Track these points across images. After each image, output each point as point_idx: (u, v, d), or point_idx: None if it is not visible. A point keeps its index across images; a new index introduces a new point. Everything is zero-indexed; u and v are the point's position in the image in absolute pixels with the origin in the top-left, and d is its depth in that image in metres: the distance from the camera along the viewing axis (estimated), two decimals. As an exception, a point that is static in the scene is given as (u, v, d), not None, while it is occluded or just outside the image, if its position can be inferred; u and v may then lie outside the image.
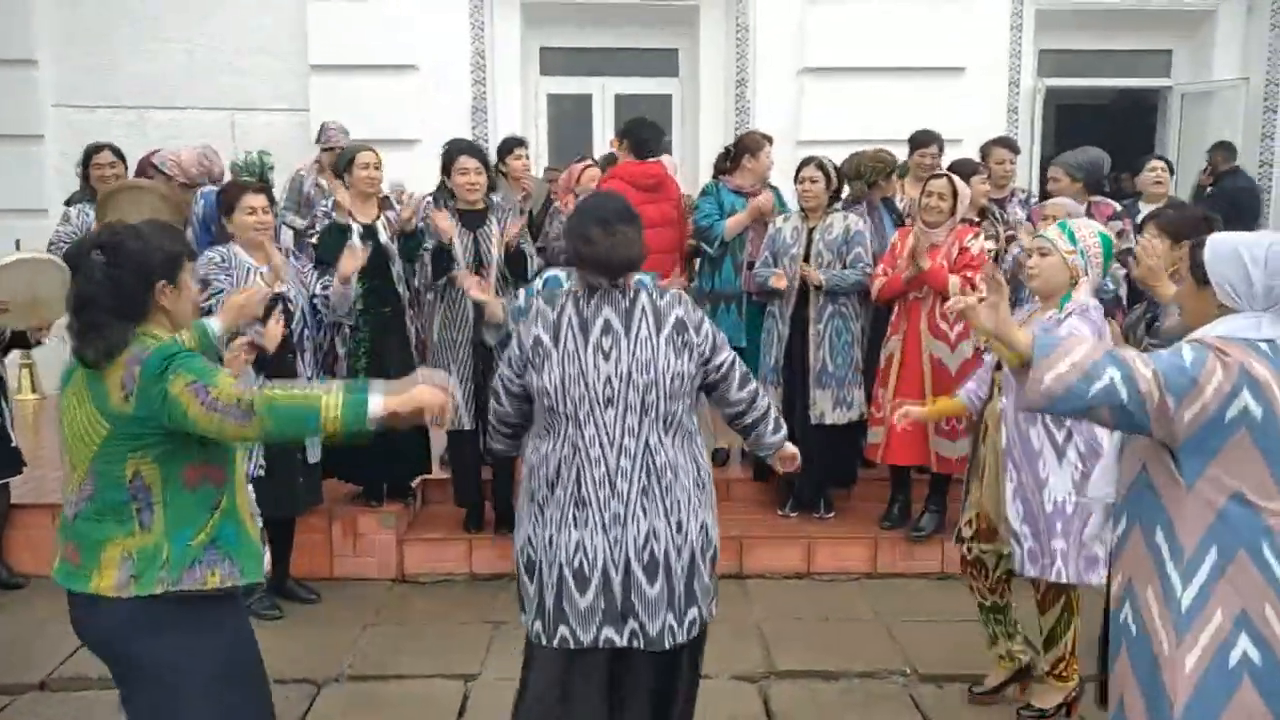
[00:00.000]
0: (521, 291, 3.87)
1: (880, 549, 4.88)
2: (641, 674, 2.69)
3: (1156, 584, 2.21)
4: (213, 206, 4.53)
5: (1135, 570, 2.27)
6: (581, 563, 2.58)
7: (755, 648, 4.08)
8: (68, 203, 5.68)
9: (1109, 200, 5.44)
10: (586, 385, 2.56)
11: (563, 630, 2.61)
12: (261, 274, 4.09)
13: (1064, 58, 8.36)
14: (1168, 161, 6.01)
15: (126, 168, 5.42)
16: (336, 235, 4.60)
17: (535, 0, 7.88)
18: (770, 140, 5.59)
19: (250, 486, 3.34)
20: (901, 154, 5.88)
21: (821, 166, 5.00)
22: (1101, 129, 8.66)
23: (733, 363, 2.71)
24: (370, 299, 4.72)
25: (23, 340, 4.71)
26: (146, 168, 5.28)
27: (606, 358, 2.57)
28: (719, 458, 5.56)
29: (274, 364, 4.16)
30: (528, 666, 2.79)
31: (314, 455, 4.41)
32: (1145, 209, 5.70)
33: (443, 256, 4.64)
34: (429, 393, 2.27)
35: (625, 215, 2.66)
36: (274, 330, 3.78)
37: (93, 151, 5.32)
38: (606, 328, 2.59)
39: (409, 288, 4.85)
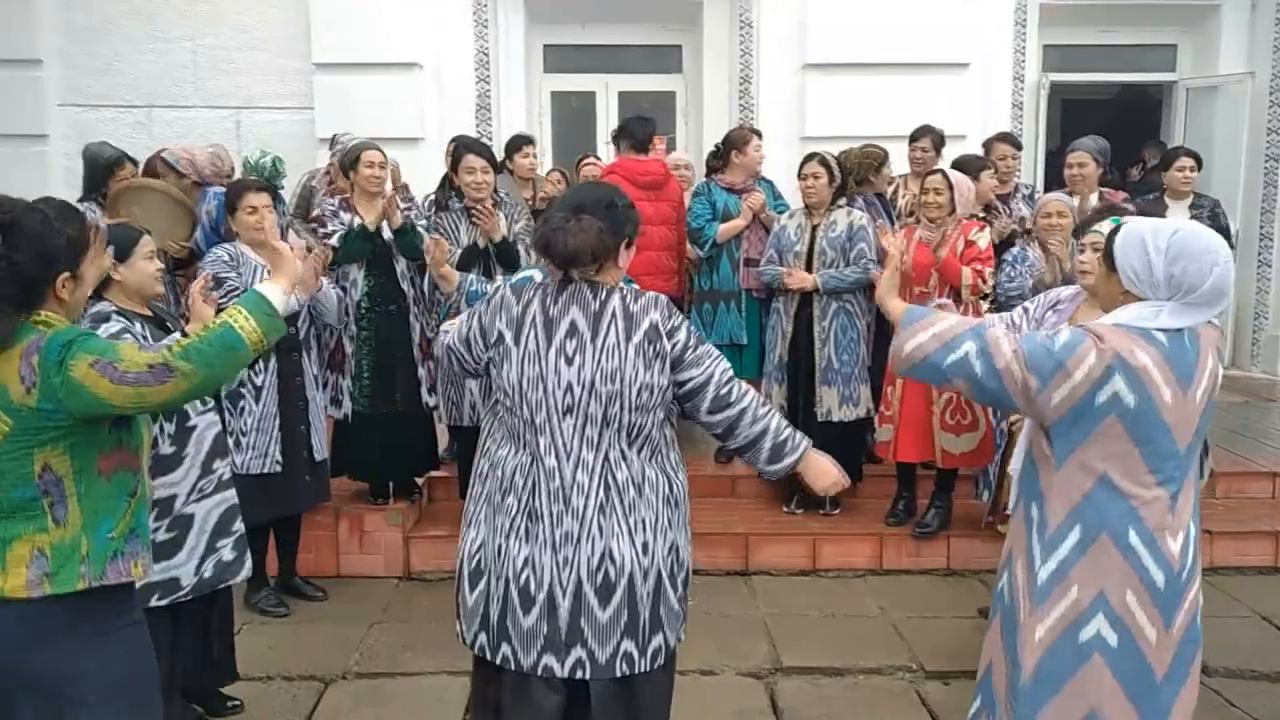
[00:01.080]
0: (500, 279, 3.88)
1: (886, 545, 4.88)
2: (600, 706, 2.41)
3: (1023, 556, 2.28)
4: (221, 206, 4.54)
5: (1014, 541, 2.35)
6: (528, 580, 2.37)
7: (761, 644, 4.08)
8: (78, 202, 5.70)
9: (1116, 192, 5.45)
10: (545, 391, 2.35)
11: (504, 649, 2.41)
12: (268, 272, 4.08)
13: (1068, 52, 8.34)
14: (1197, 158, 5.92)
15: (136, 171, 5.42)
16: (358, 239, 4.61)
17: (539, -1, 7.89)
18: (758, 134, 5.60)
19: (233, 491, 3.39)
20: (904, 150, 5.87)
21: (824, 162, 5.00)
22: (1106, 124, 8.65)
23: (706, 382, 2.42)
24: (376, 297, 4.73)
25: None
26: (156, 164, 5.30)
27: (569, 362, 2.35)
28: (722, 454, 5.56)
29: (281, 363, 4.19)
30: (475, 678, 2.62)
31: (320, 453, 4.42)
32: (1171, 204, 5.73)
33: (472, 256, 4.69)
34: (290, 260, 2.30)
35: (602, 206, 2.41)
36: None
37: (114, 164, 5.28)
38: (572, 330, 2.37)
39: (414, 285, 4.84)
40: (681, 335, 2.42)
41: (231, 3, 7.61)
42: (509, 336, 2.41)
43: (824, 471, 2.57)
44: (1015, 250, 4.80)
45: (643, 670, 2.42)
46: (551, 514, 2.37)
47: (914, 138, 5.87)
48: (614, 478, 2.38)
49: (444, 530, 4.94)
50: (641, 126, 5.36)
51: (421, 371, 4.83)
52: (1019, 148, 6.01)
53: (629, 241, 2.48)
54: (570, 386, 2.35)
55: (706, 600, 4.53)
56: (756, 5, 7.59)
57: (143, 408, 2.03)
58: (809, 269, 4.92)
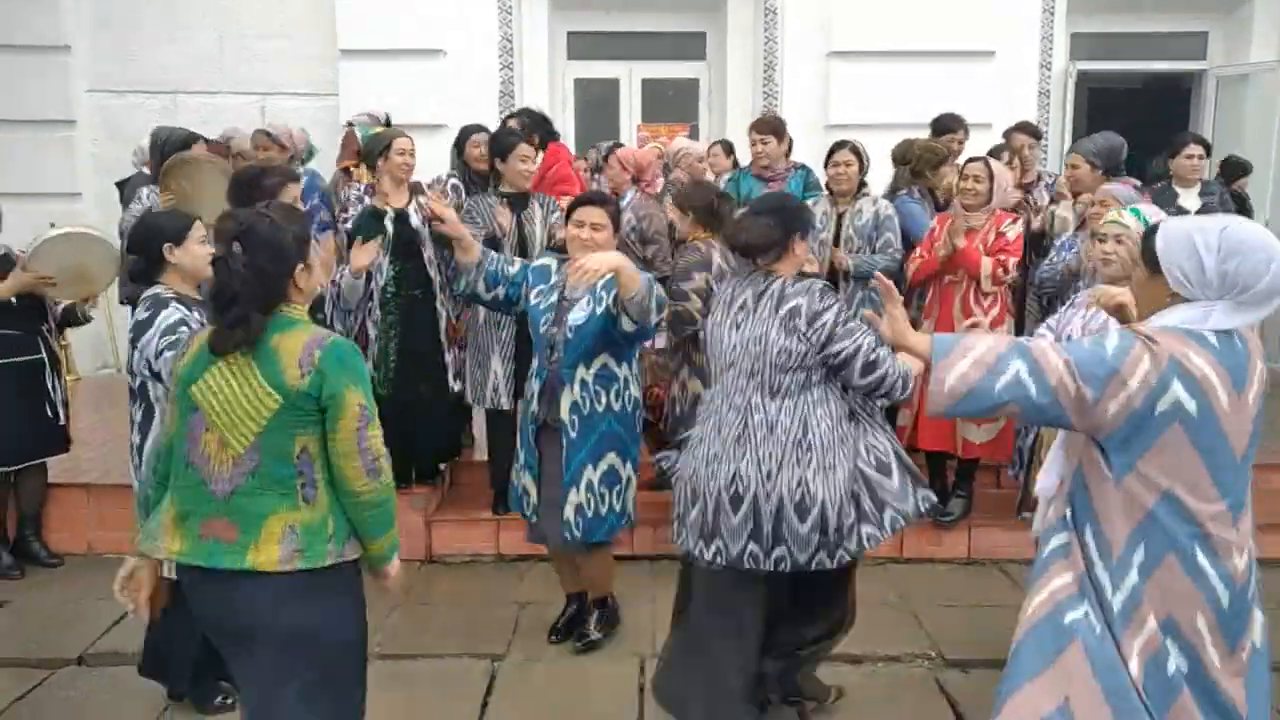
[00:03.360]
0: (519, 262, 3.90)
1: (907, 534, 4.84)
2: (730, 585, 3.09)
3: (1089, 587, 2.09)
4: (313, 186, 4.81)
5: (1074, 569, 2.14)
6: (694, 487, 3.08)
7: (781, 631, 4.08)
8: (120, 184, 5.77)
9: (1126, 178, 5.38)
10: (721, 350, 3.07)
11: (684, 536, 3.14)
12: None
13: (1097, 40, 8.25)
14: (1205, 144, 5.81)
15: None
16: (372, 221, 4.62)
17: (563, -15, 7.89)
18: (755, 126, 5.53)
19: None
20: (925, 138, 5.83)
21: (855, 151, 4.98)
22: (1135, 113, 8.56)
23: (855, 352, 2.90)
24: (401, 282, 4.74)
25: (73, 318, 4.79)
26: (221, 154, 5.50)
27: (736, 329, 3.03)
28: None
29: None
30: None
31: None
32: (1180, 193, 5.65)
33: (493, 244, 4.67)
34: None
35: (774, 208, 3.11)
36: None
37: (189, 142, 5.32)
38: (742, 305, 3.05)
39: (440, 272, 4.86)
40: (829, 316, 2.92)
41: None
42: (715, 309, 3.19)
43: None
44: (1065, 237, 4.75)
45: (763, 570, 2.98)
46: (710, 439, 3.06)
47: (949, 129, 5.81)
48: (751, 419, 2.97)
49: (465, 515, 4.97)
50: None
51: (448, 357, 4.85)
52: (1038, 137, 5.96)
53: (801, 235, 3.07)
54: (734, 346, 3.03)
55: (726, 587, 4.54)
56: (781, -8, 7.55)
57: (337, 459, 2.27)
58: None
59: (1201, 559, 2.02)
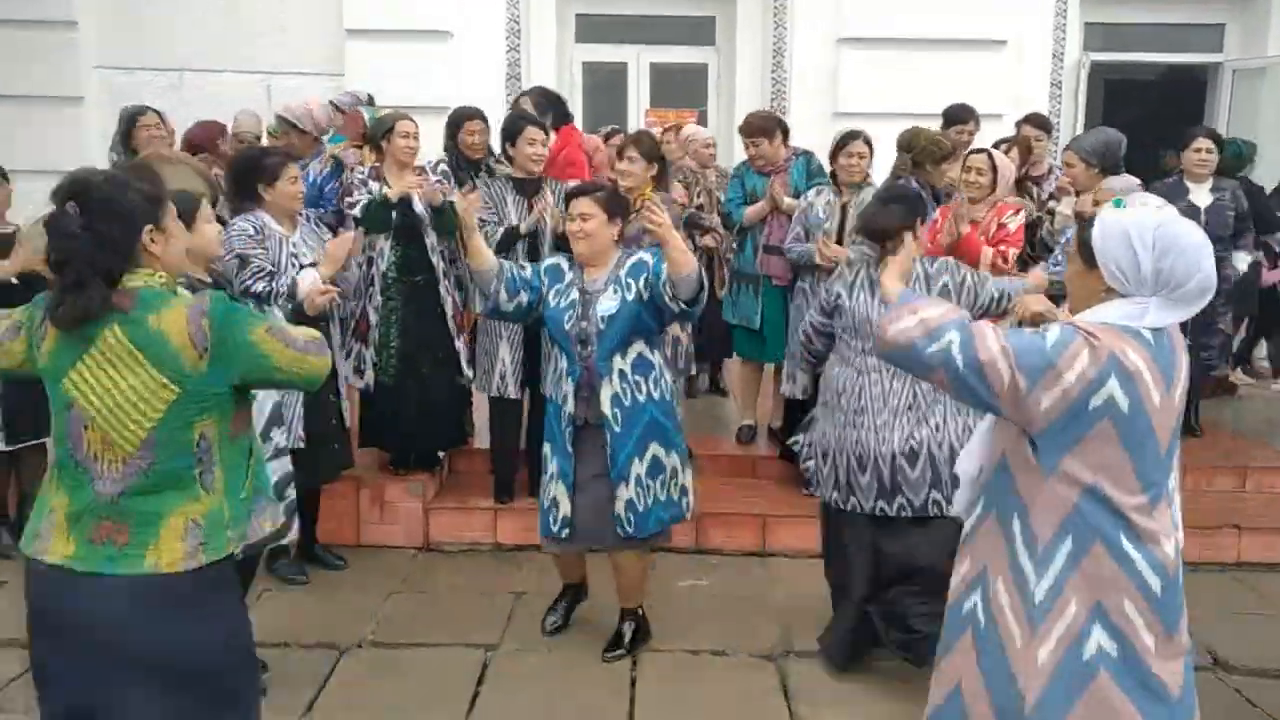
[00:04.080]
0: (529, 266, 3.83)
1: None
2: (892, 534, 3.55)
3: (1009, 575, 2.13)
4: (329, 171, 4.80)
5: (990, 559, 2.20)
6: (824, 449, 3.61)
7: (773, 626, 4.08)
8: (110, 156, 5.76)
9: (1125, 175, 5.32)
10: (861, 326, 3.52)
11: (851, 500, 3.57)
12: (293, 244, 4.06)
13: (1112, 31, 8.16)
14: (1217, 138, 5.73)
15: (170, 131, 5.46)
16: (379, 209, 4.57)
17: (572, -33, 7.83)
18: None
19: (288, 458, 3.47)
20: (936, 128, 5.77)
21: (868, 142, 4.94)
22: (1149, 105, 8.48)
23: (996, 298, 3.56)
24: (403, 268, 4.72)
25: None
26: (200, 138, 5.40)
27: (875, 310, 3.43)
28: (744, 434, 5.55)
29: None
30: (829, 526, 3.76)
31: (347, 421, 4.44)
32: (1191, 187, 5.59)
33: (513, 236, 4.65)
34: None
35: (899, 197, 3.63)
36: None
37: (137, 114, 5.33)
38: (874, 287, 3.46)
39: (443, 258, 4.83)
40: (969, 281, 3.57)
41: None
42: (845, 295, 3.59)
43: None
44: (1069, 234, 4.71)
45: (892, 515, 3.51)
46: (872, 410, 3.50)
47: (959, 119, 5.77)
48: (870, 389, 3.52)
49: (464, 503, 4.97)
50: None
51: (458, 344, 4.82)
52: (1048, 130, 5.90)
53: (922, 221, 3.54)
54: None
55: (722, 581, 4.54)
56: (791, -23, 7.48)
57: (294, 375, 2.13)
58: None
59: (1127, 546, 2.06)
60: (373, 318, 4.74)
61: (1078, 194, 5.03)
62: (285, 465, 3.44)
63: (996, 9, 7.26)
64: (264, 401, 3.36)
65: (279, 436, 3.41)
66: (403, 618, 4.13)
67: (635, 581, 3.82)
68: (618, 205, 3.68)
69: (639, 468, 3.56)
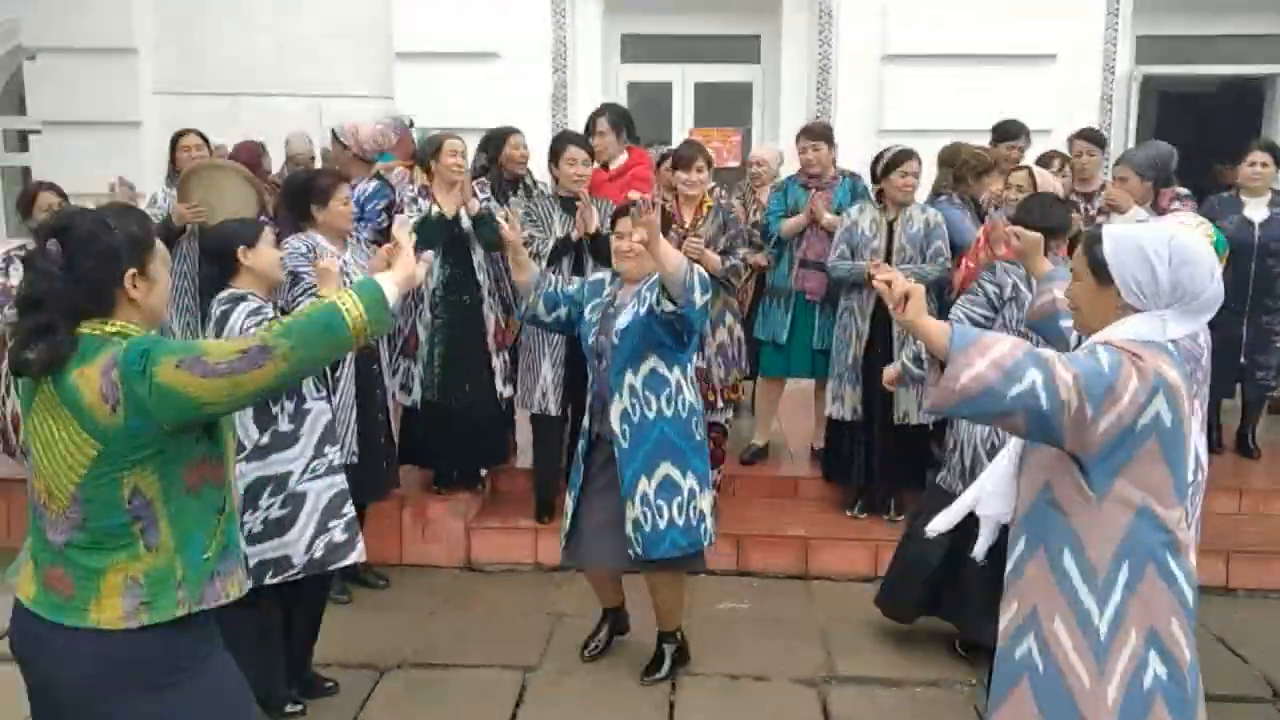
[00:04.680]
0: (576, 280, 3.89)
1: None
2: None
3: (1068, 612, 2.06)
4: (374, 190, 4.82)
5: (1041, 598, 2.11)
6: (955, 437, 3.87)
7: (817, 650, 4.03)
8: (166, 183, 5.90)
9: (1177, 188, 5.21)
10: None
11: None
12: (344, 261, 4.10)
13: (1165, 43, 8.00)
14: (1274, 150, 5.58)
15: (211, 151, 5.56)
16: (434, 226, 4.59)
17: (618, -12, 7.88)
18: (805, 132, 5.45)
19: (343, 475, 3.47)
20: (984, 144, 5.71)
21: (920, 161, 4.90)
22: (1205, 117, 8.29)
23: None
24: (450, 285, 4.76)
25: None
26: (245, 156, 5.50)
27: None
28: (748, 455, 5.50)
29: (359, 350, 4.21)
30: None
31: (394, 439, 4.48)
32: (1247, 201, 5.47)
33: (564, 247, 4.70)
34: (409, 261, 2.13)
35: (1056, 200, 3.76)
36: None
37: (179, 136, 5.46)
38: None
39: (489, 275, 4.87)
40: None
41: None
42: (1022, 285, 3.75)
43: None
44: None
45: None
46: None
47: (1010, 136, 5.71)
48: None
49: (506, 522, 4.98)
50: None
51: (497, 362, 4.85)
52: (1101, 145, 5.79)
53: (1059, 236, 3.58)
54: None
55: (763, 603, 4.50)
56: (837, -5, 7.46)
57: (237, 399, 1.90)
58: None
59: (1172, 564, 2.05)
60: (421, 334, 4.79)
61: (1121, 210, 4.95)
62: (340, 482, 3.44)
63: (1045, 22, 7.16)
64: (318, 418, 3.37)
65: (333, 453, 3.42)
66: (443, 638, 4.14)
67: (671, 604, 3.79)
68: (663, 224, 3.68)
69: (647, 486, 3.49)
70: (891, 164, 4.86)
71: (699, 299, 3.33)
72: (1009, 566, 2.23)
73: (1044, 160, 5.48)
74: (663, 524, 3.50)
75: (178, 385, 1.84)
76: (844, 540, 4.84)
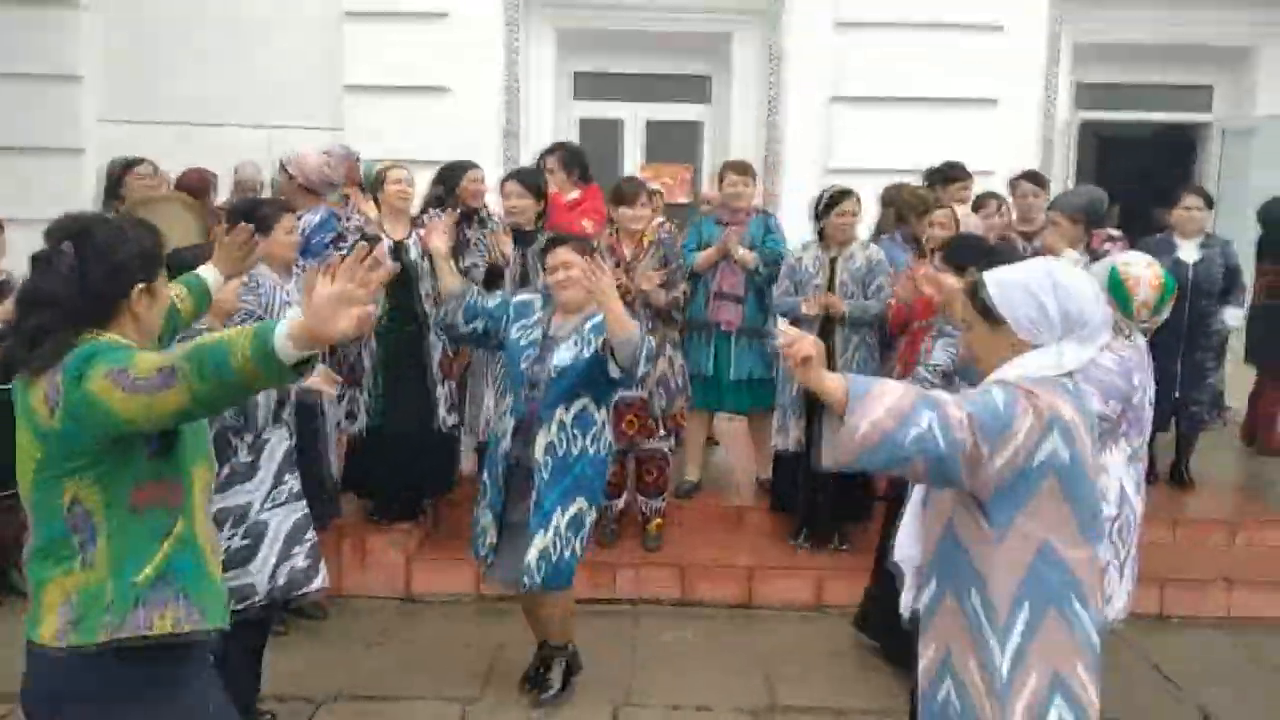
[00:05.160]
0: (498, 295, 3.97)
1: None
2: None
3: (976, 653, 2.05)
4: (319, 222, 4.76)
5: (953, 640, 2.11)
6: None
7: (760, 681, 4.02)
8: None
9: (1109, 230, 5.34)
10: None
11: None
12: (286, 291, 4.07)
13: (1103, 91, 8.25)
14: (1207, 196, 5.81)
15: (166, 183, 5.50)
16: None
17: (570, 26, 7.93)
18: (734, 167, 5.49)
19: (304, 501, 3.41)
20: (914, 183, 5.83)
21: (859, 200, 5.00)
22: (1142, 163, 8.54)
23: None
24: (395, 316, 4.74)
25: None
26: (194, 181, 5.45)
27: None
28: (683, 489, 5.45)
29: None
30: None
31: (333, 469, 4.42)
32: (1180, 243, 5.64)
33: (494, 275, 4.82)
34: (327, 304, 1.71)
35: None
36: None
37: (130, 164, 5.37)
38: None
39: (434, 305, 4.85)
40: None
41: (267, 24, 7.71)
42: None
43: None
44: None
45: None
46: None
47: (956, 178, 5.80)
48: None
49: (448, 553, 4.91)
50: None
51: (441, 391, 4.83)
52: (1044, 186, 5.93)
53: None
54: None
55: (707, 634, 4.48)
56: (786, 37, 7.59)
57: (154, 419, 1.79)
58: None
59: (1076, 606, 2.03)
60: (367, 363, 4.76)
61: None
62: (301, 508, 3.41)
63: (988, 69, 7.35)
64: (276, 447, 3.34)
65: (292, 481, 3.39)
66: (381, 670, 4.07)
67: (563, 618, 3.79)
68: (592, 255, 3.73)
69: (560, 519, 3.53)
70: (830, 203, 4.96)
71: (642, 369, 3.42)
72: (922, 608, 2.23)
73: (981, 201, 5.61)
74: (568, 555, 3.56)
75: (101, 396, 1.78)
76: (789, 570, 4.84)
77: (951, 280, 3.44)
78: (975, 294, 2.14)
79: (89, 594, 1.88)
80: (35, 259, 1.94)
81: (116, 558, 1.90)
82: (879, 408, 1.92)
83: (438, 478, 5.07)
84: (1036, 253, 5.46)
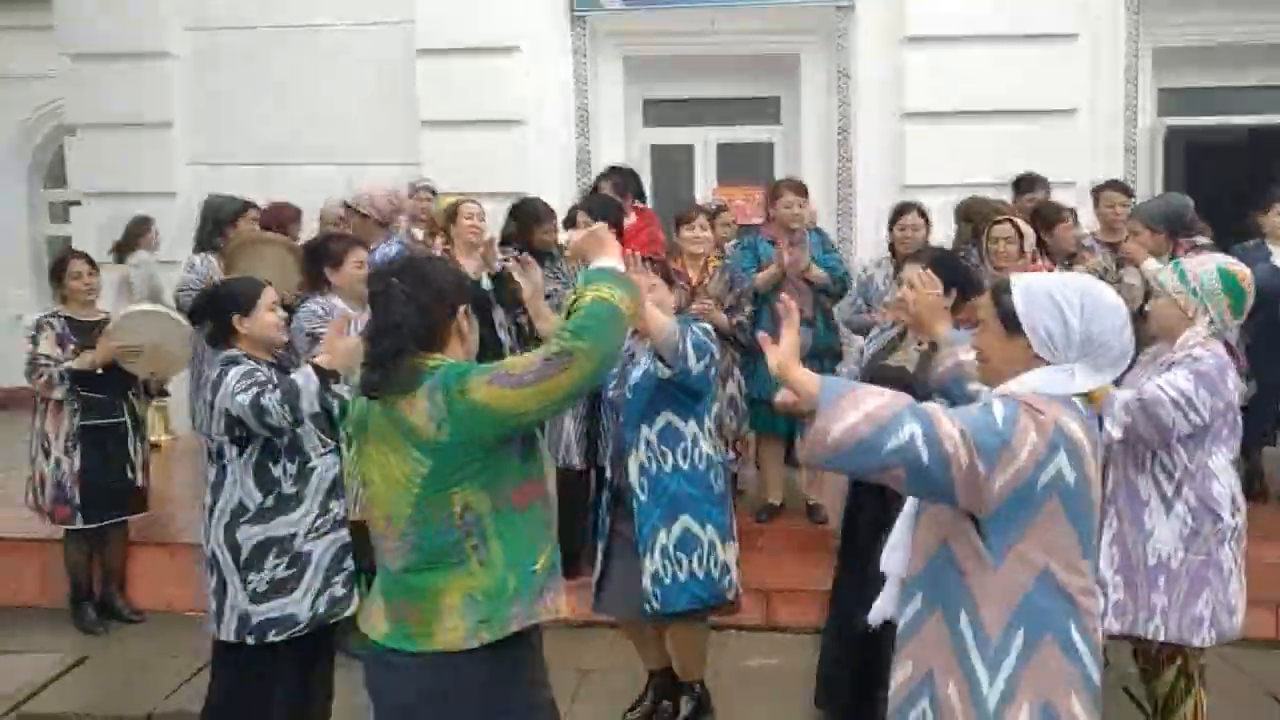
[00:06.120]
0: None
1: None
2: None
3: (961, 678, 1.94)
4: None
5: (936, 659, 2.00)
6: None
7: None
8: (194, 253, 6.01)
9: (1192, 238, 5.17)
10: None
11: None
12: (360, 324, 4.14)
13: (1188, 95, 8.01)
14: None
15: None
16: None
17: (637, 53, 8.00)
18: (792, 187, 5.36)
19: (346, 530, 3.45)
20: (1007, 197, 5.73)
21: (922, 213, 4.95)
22: (1231, 168, 8.25)
23: None
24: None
25: (156, 387, 5.00)
26: (278, 216, 5.67)
27: None
28: (763, 515, 5.33)
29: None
30: None
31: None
32: (1274, 250, 5.44)
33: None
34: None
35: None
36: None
37: (246, 207, 5.60)
38: None
39: (510, 334, 4.89)
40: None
41: (342, 63, 7.94)
42: None
43: None
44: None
45: None
46: None
47: (1026, 189, 5.73)
48: None
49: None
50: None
51: None
52: (1129, 195, 5.77)
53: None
54: None
55: (791, 659, 4.38)
56: (854, 54, 7.55)
57: (550, 405, 2.04)
58: None
59: (1075, 636, 1.93)
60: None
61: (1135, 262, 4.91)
62: (343, 537, 3.44)
63: (1064, 78, 7.18)
64: (324, 475, 3.38)
65: (337, 508, 3.43)
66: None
67: (691, 655, 3.72)
68: (668, 278, 3.74)
69: (665, 539, 3.46)
70: (893, 218, 4.96)
71: (694, 365, 3.33)
72: (901, 623, 2.13)
73: (1050, 212, 5.42)
74: (683, 577, 3.47)
75: (493, 400, 2.00)
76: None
77: (931, 297, 3.11)
78: (999, 297, 2.07)
79: (492, 592, 2.07)
80: (373, 298, 2.18)
81: (512, 553, 2.09)
82: (856, 413, 1.86)
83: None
84: (1120, 263, 5.32)
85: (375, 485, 2.15)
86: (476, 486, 2.06)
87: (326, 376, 3.25)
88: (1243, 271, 3.22)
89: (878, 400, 1.89)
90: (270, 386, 3.14)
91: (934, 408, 1.93)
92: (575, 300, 2.10)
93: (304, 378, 3.20)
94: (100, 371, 4.70)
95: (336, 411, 3.35)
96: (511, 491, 2.11)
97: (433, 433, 2.03)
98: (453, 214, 4.87)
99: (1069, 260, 5.12)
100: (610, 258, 2.17)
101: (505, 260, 4.84)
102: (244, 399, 3.08)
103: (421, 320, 2.12)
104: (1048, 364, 1.99)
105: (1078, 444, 1.90)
